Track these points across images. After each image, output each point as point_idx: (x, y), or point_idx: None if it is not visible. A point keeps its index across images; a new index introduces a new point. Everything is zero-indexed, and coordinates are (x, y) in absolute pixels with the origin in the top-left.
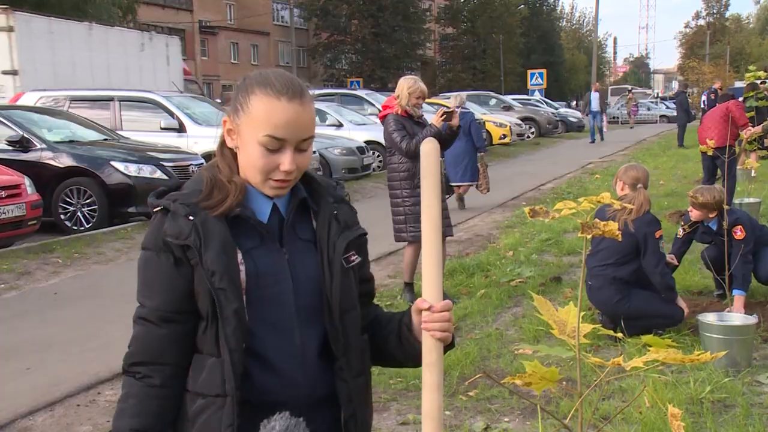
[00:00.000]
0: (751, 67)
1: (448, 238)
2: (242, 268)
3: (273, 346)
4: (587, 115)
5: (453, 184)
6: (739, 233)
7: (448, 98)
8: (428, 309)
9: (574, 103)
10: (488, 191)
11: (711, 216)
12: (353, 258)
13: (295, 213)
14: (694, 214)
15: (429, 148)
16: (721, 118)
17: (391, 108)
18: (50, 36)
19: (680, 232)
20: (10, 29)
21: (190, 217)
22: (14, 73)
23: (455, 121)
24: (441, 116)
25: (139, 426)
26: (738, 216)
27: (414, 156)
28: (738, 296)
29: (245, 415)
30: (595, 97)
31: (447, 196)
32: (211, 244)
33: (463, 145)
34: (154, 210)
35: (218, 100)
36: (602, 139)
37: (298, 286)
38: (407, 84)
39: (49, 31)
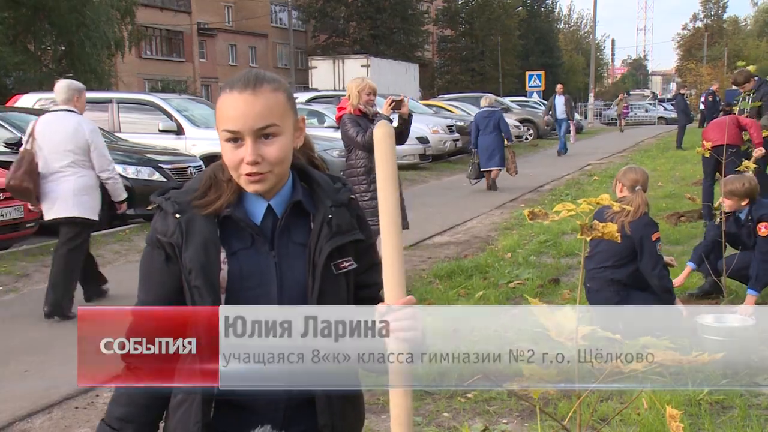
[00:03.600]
0: (740, 63)
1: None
2: (224, 267)
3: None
4: (548, 123)
5: (484, 169)
6: (764, 230)
7: (448, 100)
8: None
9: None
10: (516, 173)
11: (743, 204)
12: (345, 264)
13: (291, 216)
14: (727, 204)
15: (383, 133)
16: (732, 124)
17: (345, 109)
18: (379, 68)
19: (717, 220)
20: (368, 66)
21: (177, 215)
22: None
23: (405, 110)
24: (390, 105)
25: (125, 415)
26: (766, 212)
27: (371, 148)
28: (750, 296)
29: (228, 415)
30: (560, 101)
31: (476, 181)
32: (192, 242)
33: (493, 137)
34: (151, 207)
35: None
36: (565, 150)
37: (284, 290)
38: (355, 84)
39: (379, 66)
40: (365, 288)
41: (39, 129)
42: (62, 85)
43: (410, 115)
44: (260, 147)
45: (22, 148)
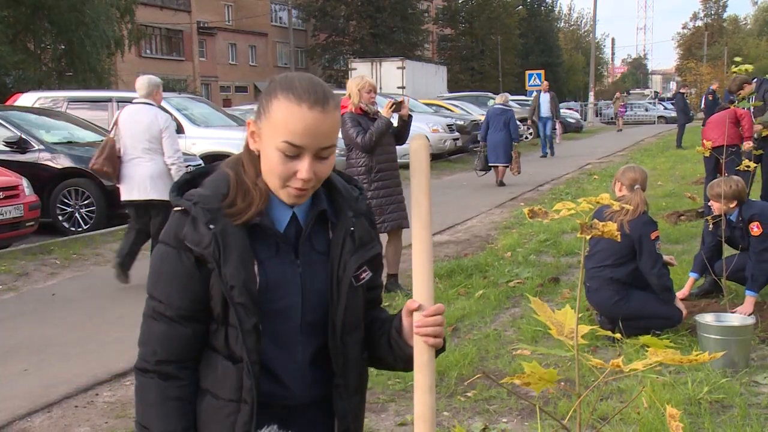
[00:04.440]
0: (737, 59)
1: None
2: (258, 280)
3: (276, 358)
4: (533, 122)
5: (492, 164)
6: (755, 229)
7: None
8: (417, 309)
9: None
10: (519, 173)
11: (732, 207)
12: (364, 275)
13: (313, 223)
14: (715, 207)
15: (418, 145)
16: (730, 122)
17: (346, 108)
18: (412, 70)
19: (710, 226)
20: (403, 68)
21: (210, 226)
22: (403, 87)
23: (405, 111)
24: (390, 107)
25: (182, 429)
26: (756, 211)
27: (370, 150)
28: (749, 297)
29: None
30: (545, 99)
31: (484, 173)
32: (231, 256)
33: (503, 135)
34: (175, 209)
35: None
36: (552, 153)
37: (307, 301)
38: (355, 83)
39: (412, 68)
40: (371, 290)
41: (122, 119)
42: (143, 81)
43: (410, 116)
44: (316, 164)
45: (107, 136)
